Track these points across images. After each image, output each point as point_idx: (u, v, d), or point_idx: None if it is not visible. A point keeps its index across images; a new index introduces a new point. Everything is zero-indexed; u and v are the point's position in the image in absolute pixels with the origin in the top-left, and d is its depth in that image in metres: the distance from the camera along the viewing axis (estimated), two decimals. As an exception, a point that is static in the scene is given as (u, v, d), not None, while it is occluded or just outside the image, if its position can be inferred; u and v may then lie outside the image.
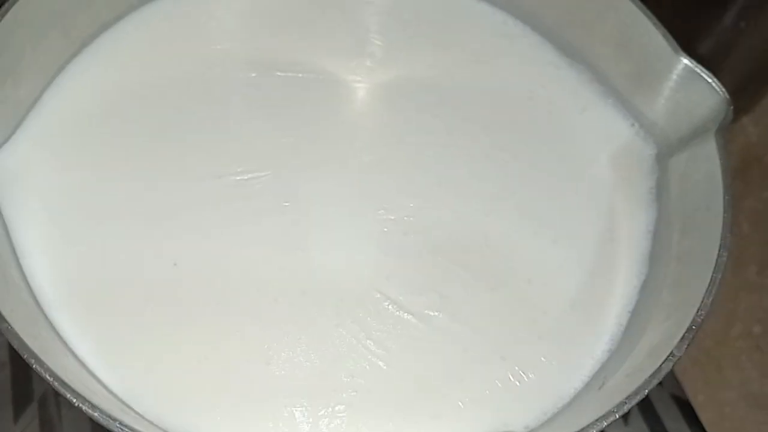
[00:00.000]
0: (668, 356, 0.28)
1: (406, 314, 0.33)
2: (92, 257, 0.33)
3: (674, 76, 0.38)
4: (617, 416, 0.26)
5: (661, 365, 0.28)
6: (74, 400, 0.24)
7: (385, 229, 0.35)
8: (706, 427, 0.50)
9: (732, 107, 0.37)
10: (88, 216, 0.33)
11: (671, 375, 0.51)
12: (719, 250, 0.31)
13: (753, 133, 0.65)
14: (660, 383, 0.27)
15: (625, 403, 0.27)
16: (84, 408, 0.24)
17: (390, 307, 0.33)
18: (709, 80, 0.37)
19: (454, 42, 0.42)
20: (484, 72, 0.41)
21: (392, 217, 0.36)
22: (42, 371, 0.24)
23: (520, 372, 0.33)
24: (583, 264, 0.36)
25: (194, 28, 0.39)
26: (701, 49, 0.55)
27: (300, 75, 0.39)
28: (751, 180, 0.63)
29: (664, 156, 0.39)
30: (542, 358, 0.33)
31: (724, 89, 0.37)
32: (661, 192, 0.39)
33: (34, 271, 0.31)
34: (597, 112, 0.41)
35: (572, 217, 0.37)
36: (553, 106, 0.40)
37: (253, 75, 0.39)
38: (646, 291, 0.35)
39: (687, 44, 0.53)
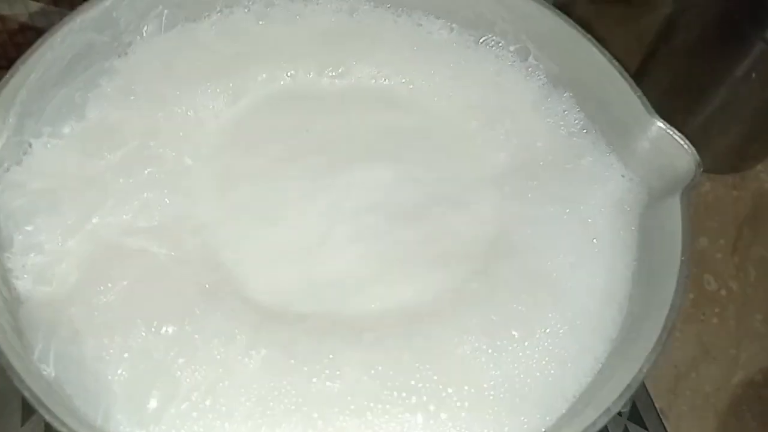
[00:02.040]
0: (604, 411, 0.30)
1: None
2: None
3: (648, 135, 0.40)
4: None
5: (595, 420, 0.29)
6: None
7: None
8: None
9: (701, 169, 0.38)
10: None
11: (661, 421, 0.51)
12: (669, 312, 0.33)
13: (766, 180, 0.65)
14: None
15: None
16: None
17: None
18: (681, 142, 0.39)
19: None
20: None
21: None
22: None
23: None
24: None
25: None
26: (710, 110, 0.56)
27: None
28: (761, 227, 0.63)
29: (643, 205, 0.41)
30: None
31: (694, 150, 0.38)
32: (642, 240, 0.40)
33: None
34: (592, 159, 0.42)
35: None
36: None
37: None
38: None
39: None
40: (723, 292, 0.57)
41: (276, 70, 0.44)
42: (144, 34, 0.43)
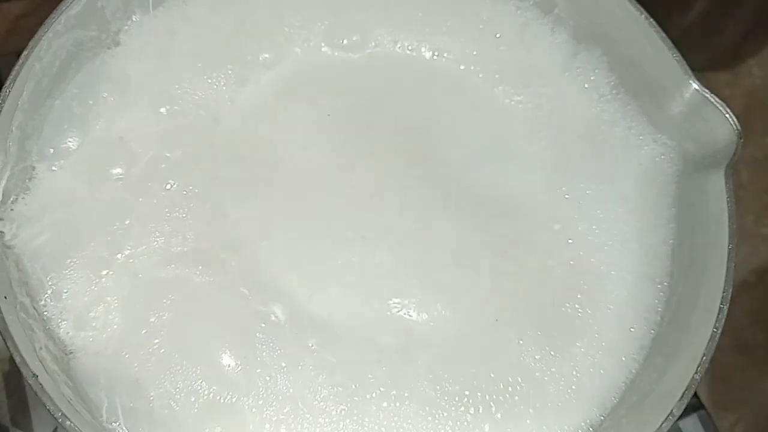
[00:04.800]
0: (667, 416, 0.32)
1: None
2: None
3: (685, 99, 0.38)
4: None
5: (661, 425, 0.31)
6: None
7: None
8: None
9: (742, 140, 0.37)
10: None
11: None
12: (720, 303, 0.33)
13: (758, 76, 0.65)
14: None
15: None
16: None
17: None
18: (720, 108, 0.38)
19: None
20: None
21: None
22: None
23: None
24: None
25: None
26: (704, 8, 0.55)
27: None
28: (753, 126, 0.63)
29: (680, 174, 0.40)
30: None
31: (734, 118, 0.38)
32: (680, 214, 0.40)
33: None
34: (625, 125, 0.41)
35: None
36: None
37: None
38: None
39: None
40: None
41: (283, 44, 0.40)
42: (133, 19, 0.38)
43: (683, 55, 0.39)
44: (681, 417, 0.45)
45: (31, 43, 0.34)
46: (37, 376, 0.29)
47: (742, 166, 0.61)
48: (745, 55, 0.64)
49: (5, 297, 0.31)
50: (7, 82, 0.33)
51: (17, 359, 0.29)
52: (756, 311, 0.57)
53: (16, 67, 0.33)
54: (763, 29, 0.59)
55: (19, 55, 0.34)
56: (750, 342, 0.56)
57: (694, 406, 0.49)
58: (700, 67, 0.59)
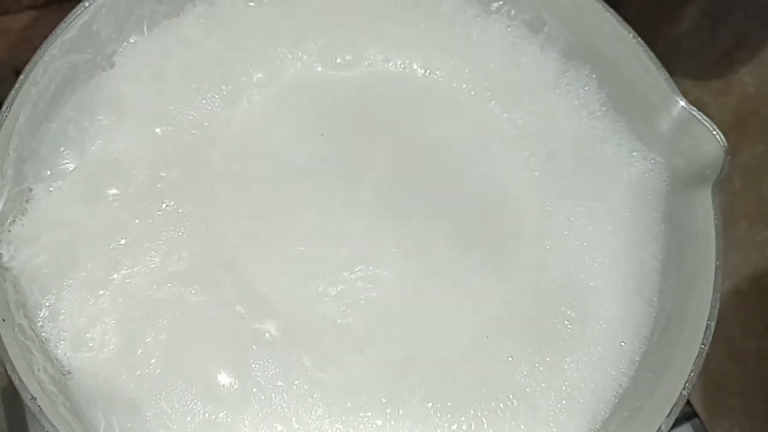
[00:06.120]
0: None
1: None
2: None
3: (672, 116, 0.39)
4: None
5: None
6: None
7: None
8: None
9: (729, 157, 0.38)
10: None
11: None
12: (708, 320, 0.34)
13: (750, 84, 0.65)
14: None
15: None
16: None
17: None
18: (707, 125, 0.38)
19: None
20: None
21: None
22: None
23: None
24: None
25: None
26: (696, 16, 0.55)
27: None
28: (745, 133, 0.63)
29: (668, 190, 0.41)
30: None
31: (721, 134, 0.38)
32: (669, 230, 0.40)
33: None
34: (615, 143, 0.42)
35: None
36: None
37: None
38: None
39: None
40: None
41: (276, 62, 0.41)
42: (129, 41, 0.39)
43: (675, 65, 0.40)
44: (675, 426, 0.46)
45: (27, 68, 0.35)
46: (36, 398, 0.30)
47: (735, 174, 0.61)
48: (736, 64, 0.64)
49: (3, 319, 0.31)
50: (4, 107, 0.34)
51: (16, 382, 0.30)
52: (749, 319, 0.58)
53: (13, 92, 0.34)
54: (754, 38, 0.60)
55: (16, 70, 0.34)
56: (743, 350, 0.56)
57: (688, 414, 0.49)
58: (691, 77, 0.60)
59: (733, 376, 0.53)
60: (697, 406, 0.50)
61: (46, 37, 0.35)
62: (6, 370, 0.30)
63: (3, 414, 0.43)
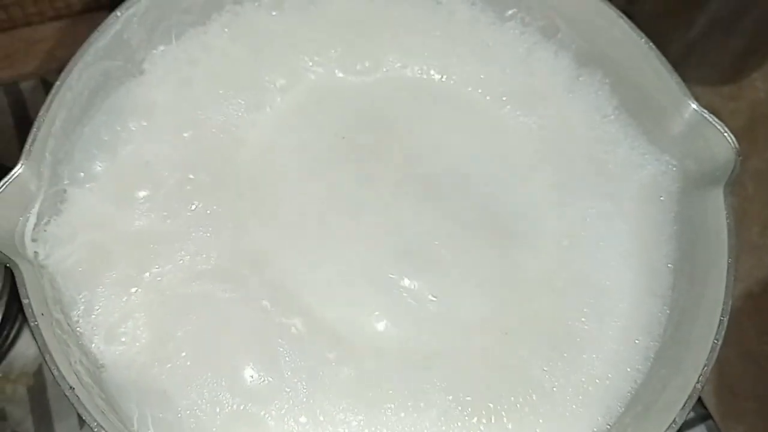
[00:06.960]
0: (670, 425, 0.33)
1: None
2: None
3: (684, 119, 0.40)
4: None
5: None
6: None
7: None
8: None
9: (740, 158, 0.39)
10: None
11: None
12: (720, 316, 0.35)
13: (762, 89, 0.66)
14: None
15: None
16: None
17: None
18: (718, 127, 0.39)
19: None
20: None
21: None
22: None
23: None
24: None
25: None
26: (708, 22, 0.56)
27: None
28: (757, 138, 0.64)
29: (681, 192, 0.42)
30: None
31: (732, 136, 0.39)
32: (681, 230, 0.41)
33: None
34: (628, 146, 0.43)
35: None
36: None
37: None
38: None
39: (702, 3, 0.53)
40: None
41: (298, 69, 0.42)
42: (157, 49, 0.40)
43: (686, 71, 0.41)
44: (689, 428, 0.46)
45: (62, 74, 0.36)
46: (74, 389, 0.31)
47: (747, 178, 0.62)
48: (748, 69, 0.65)
49: (42, 314, 0.33)
50: (41, 111, 0.35)
51: (55, 373, 0.31)
52: (762, 322, 0.58)
53: (49, 97, 0.36)
54: (766, 44, 0.61)
55: (43, 79, 0.35)
56: (757, 353, 0.56)
57: (702, 416, 0.50)
58: (704, 82, 0.61)
59: (747, 379, 0.54)
60: (712, 409, 0.50)
61: (68, 47, 0.36)
62: (46, 363, 0.32)
63: (29, 412, 0.44)
